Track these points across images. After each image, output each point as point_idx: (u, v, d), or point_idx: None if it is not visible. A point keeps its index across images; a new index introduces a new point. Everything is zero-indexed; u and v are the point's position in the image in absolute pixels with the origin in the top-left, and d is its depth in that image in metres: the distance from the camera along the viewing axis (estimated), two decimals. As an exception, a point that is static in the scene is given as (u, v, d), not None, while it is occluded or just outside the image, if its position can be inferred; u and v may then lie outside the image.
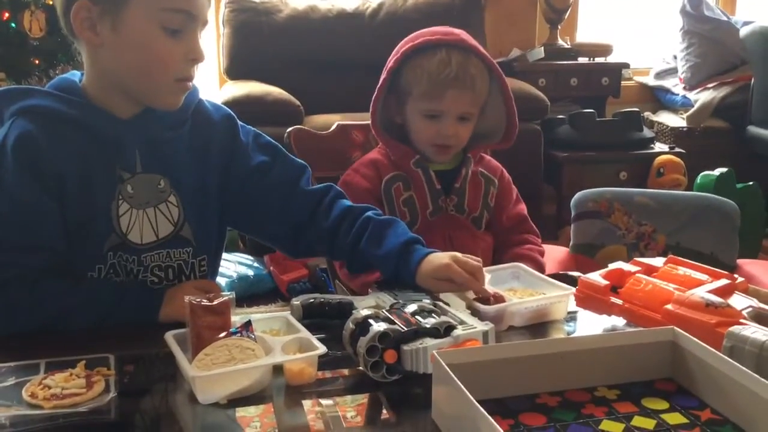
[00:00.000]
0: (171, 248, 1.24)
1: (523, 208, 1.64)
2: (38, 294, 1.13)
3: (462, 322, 1.02)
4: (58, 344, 1.08)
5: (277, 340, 1.03)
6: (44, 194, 1.15)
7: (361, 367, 1.01)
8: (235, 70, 3.51)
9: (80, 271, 1.19)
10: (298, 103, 3.13)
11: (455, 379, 0.80)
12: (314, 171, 1.63)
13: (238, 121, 1.35)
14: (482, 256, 1.28)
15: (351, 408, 0.99)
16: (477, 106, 1.53)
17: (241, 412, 0.94)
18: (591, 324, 1.20)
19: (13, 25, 2.84)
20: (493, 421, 0.72)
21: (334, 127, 1.71)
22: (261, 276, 2.96)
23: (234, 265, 3.02)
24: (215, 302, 1.04)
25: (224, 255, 2.96)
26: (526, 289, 1.27)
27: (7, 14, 2.83)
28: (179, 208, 1.24)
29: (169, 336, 1.03)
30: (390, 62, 1.52)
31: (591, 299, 1.18)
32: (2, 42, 2.82)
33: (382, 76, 1.52)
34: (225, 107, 1.36)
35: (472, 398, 0.76)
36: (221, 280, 2.78)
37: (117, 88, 1.20)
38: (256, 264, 3.07)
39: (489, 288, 1.21)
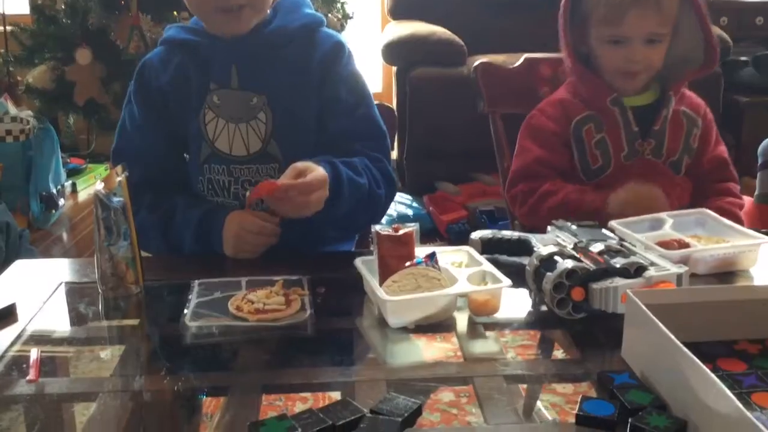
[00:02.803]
0: (260, 164, 1.30)
1: (723, 150, 1.52)
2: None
3: (653, 264, 0.99)
4: (254, 265, 1.15)
5: (461, 271, 1.05)
6: (151, 113, 1.31)
7: (544, 304, 1.01)
8: (398, 9, 3.52)
9: (189, 185, 1.32)
10: (461, 42, 3.11)
11: (654, 319, 0.79)
12: (501, 107, 1.60)
13: (349, 52, 1.35)
14: (678, 203, 1.21)
15: (532, 343, 1.00)
16: (666, 27, 1.39)
17: (426, 338, 0.97)
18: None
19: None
20: (697, 360, 0.70)
21: (521, 60, 1.65)
22: (420, 216, 3.00)
23: (394, 204, 3.08)
24: (400, 233, 1.07)
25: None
26: (711, 236, 1.21)
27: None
28: (267, 125, 1.29)
29: (359, 262, 1.07)
30: None
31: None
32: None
33: (562, 2, 1.44)
34: (340, 37, 1.37)
35: (674, 339, 0.75)
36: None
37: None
38: (415, 204, 3.12)
39: (673, 233, 1.17)
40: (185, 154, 1.34)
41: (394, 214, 2.96)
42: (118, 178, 1.04)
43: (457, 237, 2.81)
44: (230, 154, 1.29)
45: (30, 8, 3.17)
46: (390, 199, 1.34)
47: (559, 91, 1.53)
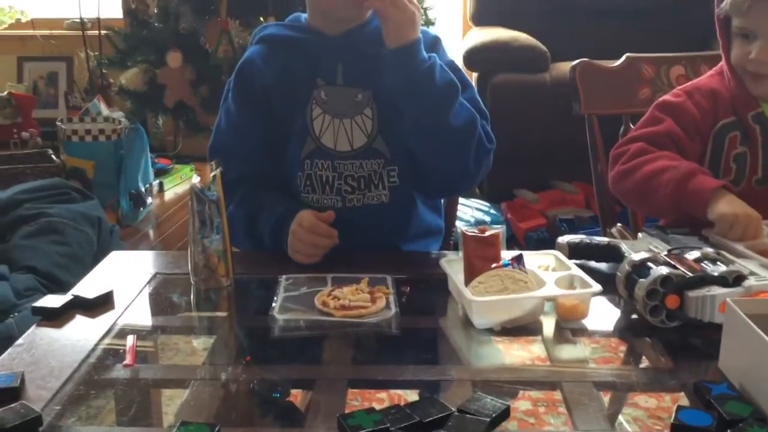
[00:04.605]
0: (364, 159, 1.30)
1: None
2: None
3: (752, 273, 0.95)
4: (340, 263, 1.16)
5: (548, 275, 1.03)
6: (251, 112, 1.32)
7: (634, 312, 0.98)
8: (480, 16, 3.50)
9: (285, 181, 1.32)
10: (545, 49, 3.06)
11: (756, 329, 0.75)
12: (598, 109, 1.55)
13: (443, 45, 1.36)
14: None
15: (622, 350, 0.97)
16: None
17: (511, 340, 0.96)
18: None
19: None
20: (806, 374, 0.67)
21: (622, 59, 1.57)
22: (498, 222, 2.97)
23: (471, 210, 3.07)
24: (486, 234, 1.06)
25: (462, 200, 3.01)
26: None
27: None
28: (373, 120, 1.29)
29: (444, 262, 1.07)
30: None
31: None
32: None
33: None
34: (434, 33, 1.37)
35: (778, 349, 0.72)
36: (460, 224, 2.85)
37: (326, 12, 1.30)
38: (492, 210, 3.09)
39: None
40: (283, 152, 1.34)
41: (472, 220, 2.95)
42: (213, 173, 1.07)
43: (536, 245, 2.76)
44: (334, 149, 1.30)
45: (123, 13, 3.29)
46: (486, 151, 1.32)
47: (712, 79, 1.37)
